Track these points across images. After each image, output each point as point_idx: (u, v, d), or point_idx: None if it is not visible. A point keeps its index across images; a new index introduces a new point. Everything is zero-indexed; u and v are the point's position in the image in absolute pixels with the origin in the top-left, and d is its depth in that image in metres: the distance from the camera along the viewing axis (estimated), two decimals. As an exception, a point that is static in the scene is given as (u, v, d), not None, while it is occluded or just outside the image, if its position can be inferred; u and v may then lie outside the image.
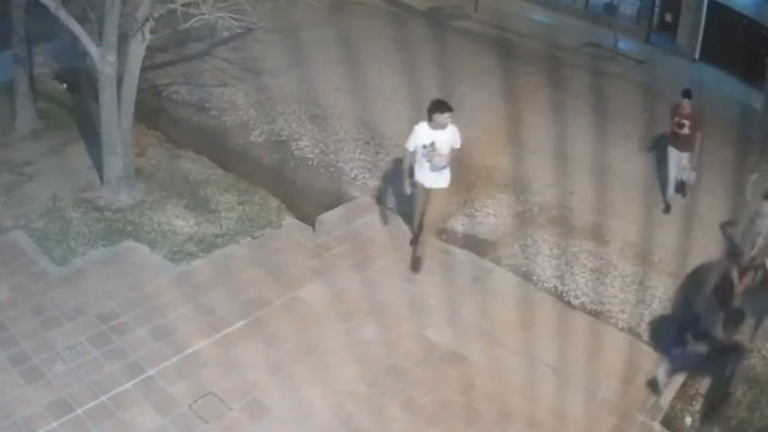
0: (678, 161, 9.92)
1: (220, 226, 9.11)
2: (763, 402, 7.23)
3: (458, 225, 9.55)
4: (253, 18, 9.56)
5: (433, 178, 8.33)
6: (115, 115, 9.08)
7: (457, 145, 8.36)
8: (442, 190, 8.48)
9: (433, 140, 8.18)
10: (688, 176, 10.01)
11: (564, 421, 6.89)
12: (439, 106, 8.20)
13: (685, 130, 9.78)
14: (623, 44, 15.38)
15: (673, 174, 9.98)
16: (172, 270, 8.33)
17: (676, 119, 9.86)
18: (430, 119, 8.19)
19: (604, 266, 8.89)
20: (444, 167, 8.29)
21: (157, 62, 12.51)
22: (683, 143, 9.84)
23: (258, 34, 12.43)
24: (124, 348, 7.19)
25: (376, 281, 8.38)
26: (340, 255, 8.78)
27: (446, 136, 8.21)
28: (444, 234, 9.37)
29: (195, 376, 6.97)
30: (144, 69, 9.37)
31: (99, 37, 8.81)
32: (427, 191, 8.45)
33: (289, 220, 9.43)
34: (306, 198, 10.12)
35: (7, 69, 10.95)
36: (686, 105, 9.78)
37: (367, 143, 11.15)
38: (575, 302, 8.40)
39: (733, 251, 8.78)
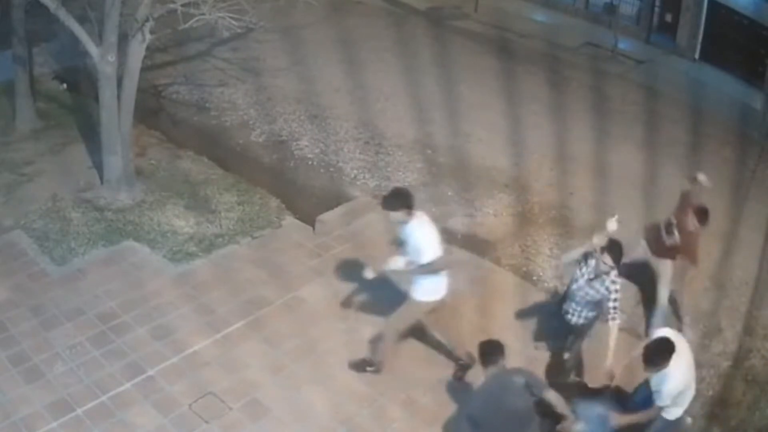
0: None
1: (220, 226, 9.11)
2: (763, 402, 7.22)
3: (458, 225, 9.54)
4: (253, 18, 9.58)
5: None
6: (115, 115, 9.08)
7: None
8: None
9: None
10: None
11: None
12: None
13: (673, 239, 7.49)
14: (623, 44, 15.35)
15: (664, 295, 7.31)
16: (172, 270, 8.33)
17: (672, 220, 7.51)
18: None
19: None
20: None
21: (157, 62, 12.53)
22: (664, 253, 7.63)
23: (258, 34, 12.46)
24: (124, 348, 7.19)
25: (376, 281, 8.36)
26: (340, 255, 8.78)
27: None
28: (444, 234, 9.34)
29: (195, 376, 6.97)
30: (144, 69, 9.38)
31: (99, 37, 8.81)
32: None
33: (289, 220, 9.43)
34: (306, 198, 10.12)
35: (7, 69, 10.97)
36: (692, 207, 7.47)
37: (367, 143, 11.15)
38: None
39: None
